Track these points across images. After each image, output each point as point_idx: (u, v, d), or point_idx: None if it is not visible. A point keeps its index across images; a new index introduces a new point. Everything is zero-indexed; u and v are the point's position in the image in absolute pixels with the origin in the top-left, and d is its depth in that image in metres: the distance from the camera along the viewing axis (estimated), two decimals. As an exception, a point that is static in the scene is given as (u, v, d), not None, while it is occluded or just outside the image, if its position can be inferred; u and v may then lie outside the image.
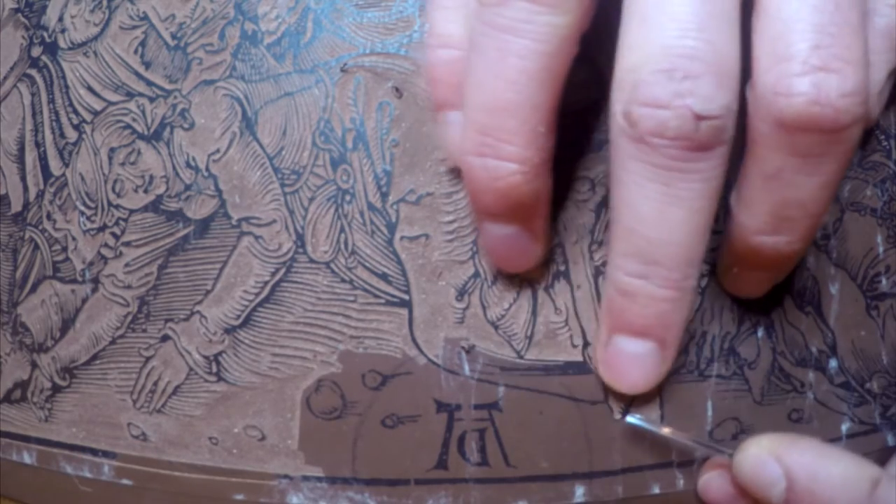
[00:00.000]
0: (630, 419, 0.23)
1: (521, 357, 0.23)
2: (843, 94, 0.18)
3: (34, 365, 0.26)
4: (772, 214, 0.20)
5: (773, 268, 0.22)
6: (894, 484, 0.20)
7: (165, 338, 0.24)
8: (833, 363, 0.25)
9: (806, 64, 0.18)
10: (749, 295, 0.23)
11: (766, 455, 0.21)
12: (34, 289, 0.26)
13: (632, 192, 0.20)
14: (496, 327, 0.23)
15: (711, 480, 0.23)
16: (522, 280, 0.23)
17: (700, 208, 0.20)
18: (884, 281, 0.26)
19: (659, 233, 0.20)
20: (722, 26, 0.19)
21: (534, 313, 0.23)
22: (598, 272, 0.23)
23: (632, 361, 0.22)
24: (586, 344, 0.23)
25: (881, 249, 0.26)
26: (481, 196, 0.21)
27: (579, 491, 0.23)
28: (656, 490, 0.23)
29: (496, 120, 0.20)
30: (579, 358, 0.23)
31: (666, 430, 0.23)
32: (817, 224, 0.21)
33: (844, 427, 0.25)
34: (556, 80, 0.20)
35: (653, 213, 0.19)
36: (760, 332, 0.24)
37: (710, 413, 0.24)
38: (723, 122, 0.19)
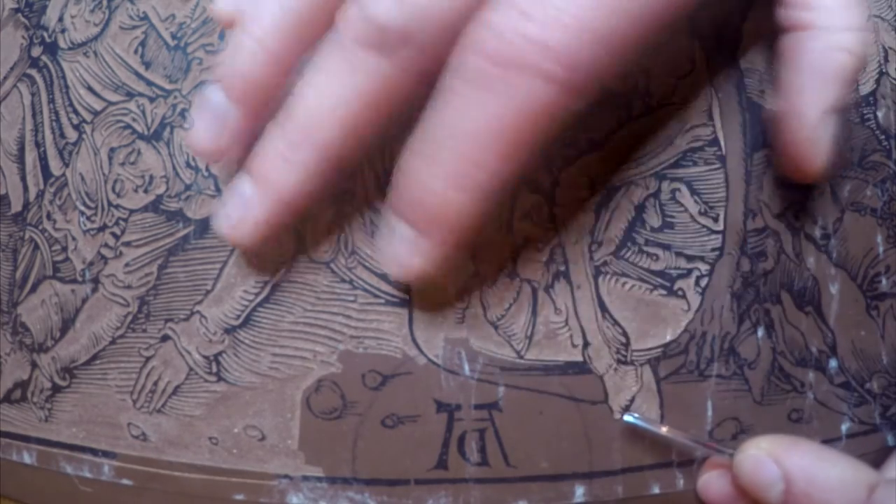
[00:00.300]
0: (627, 417, 0.23)
1: (521, 357, 0.23)
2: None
3: (34, 365, 0.26)
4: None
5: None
6: (890, 488, 0.20)
7: (165, 338, 0.24)
8: (833, 363, 0.25)
9: None
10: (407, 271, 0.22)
11: (765, 456, 0.21)
12: (34, 289, 0.26)
13: (313, 68, 0.21)
14: (496, 327, 0.23)
15: (711, 480, 0.23)
16: (522, 280, 0.23)
17: (342, 96, 0.20)
18: (884, 281, 0.26)
19: (299, 92, 0.21)
20: None
21: (534, 313, 0.23)
22: (598, 272, 0.23)
23: (239, 208, 0.22)
24: (586, 344, 0.23)
25: (881, 249, 0.26)
26: (225, 65, 0.22)
27: (579, 491, 0.23)
28: (656, 490, 0.23)
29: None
30: (579, 358, 0.23)
31: (663, 429, 0.23)
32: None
33: (844, 427, 0.25)
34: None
35: (318, 85, 0.20)
36: (760, 332, 0.24)
37: (710, 413, 0.24)
38: (391, 34, 0.19)
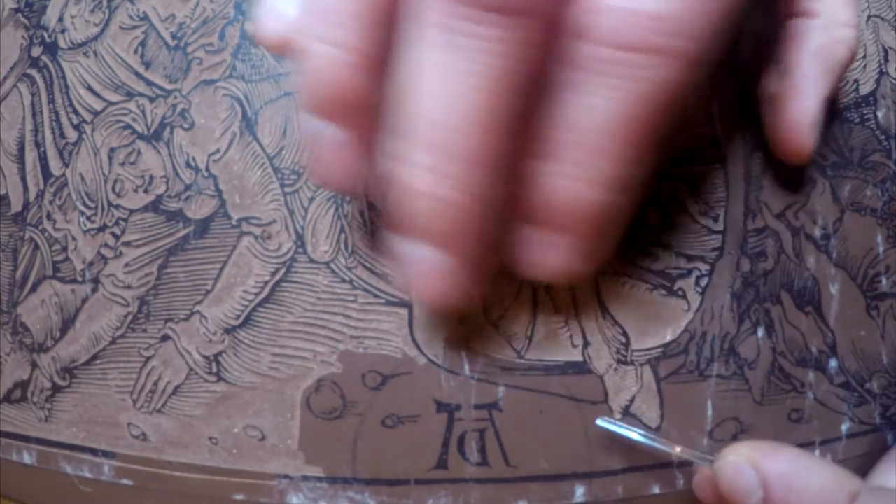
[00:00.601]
0: (601, 423, 0.22)
1: (521, 357, 0.23)
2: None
3: (34, 365, 0.26)
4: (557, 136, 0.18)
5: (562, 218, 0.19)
6: (872, 495, 0.19)
7: (165, 338, 0.24)
8: (833, 363, 0.25)
9: None
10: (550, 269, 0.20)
11: (744, 463, 0.21)
12: (34, 289, 0.26)
13: (418, 66, 0.17)
14: (496, 327, 0.23)
15: (703, 481, 0.23)
16: (522, 280, 0.23)
17: (485, 87, 0.17)
18: (884, 281, 0.26)
19: (439, 112, 0.17)
20: None
21: (534, 313, 0.23)
22: (598, 272, 0.23)
23: (421, 268, 0.19)
24: (586, 344, 0.23)
25: (881, 249, 0.26)
26: (310, 87, 0.19)
27: (579, 491, 0.23)
28: (656, 490, 0.23)
29: (330, 6, 0.18)
30: (579, 358, 0.23)
31: (638, 435, 0.22)
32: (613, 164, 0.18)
33: (844, 427, 0.25)
34: None
35: (434, 87, 0.17)
36: (760, 332, 0.24)
37: (710, 413, 0.24)
38: None
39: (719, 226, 0.24)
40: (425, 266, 0.19)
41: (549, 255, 0.19)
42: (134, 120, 0.25)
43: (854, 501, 0.19)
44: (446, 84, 0.17)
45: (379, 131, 0.19)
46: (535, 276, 0.20)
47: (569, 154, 0.18)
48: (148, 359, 0.24)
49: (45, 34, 0.27)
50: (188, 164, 0.24)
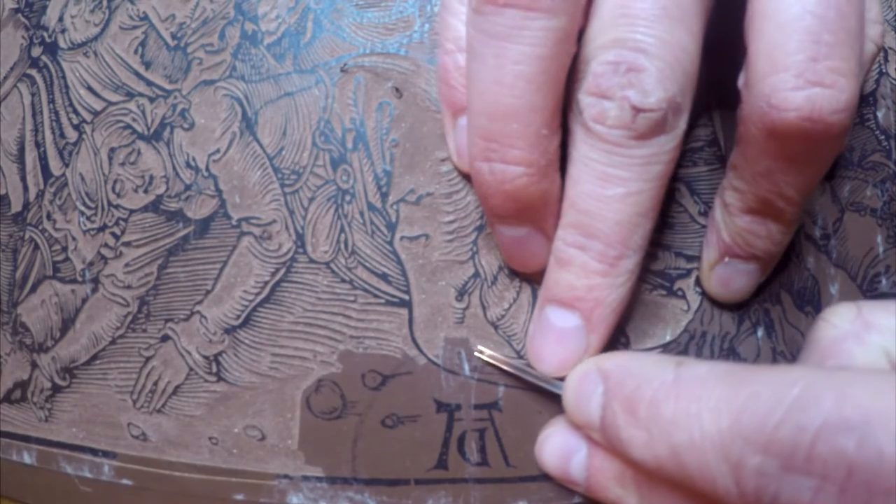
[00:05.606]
0: (480, 354, 0.23)
1: (521, 357, 0.23)
2: (836, 110, 0.19)
3: (34, 365, 0.26)
4: (759, 201, 0.21)
5: (760, 255, 0.23)
6: (695, 361, 0.20)
7: (165, 338, 0.24)
8: (833, 363, 0.25)
9: (800, 78, 0.19)
10: (736, 292, 0.23)
11: (590, 367, 0.21)
12: (34, 289, 0.26)
13: (578, 169, 0.21)
14: (496, 327, 0.23)
15: (543, 442, 0.23)
16: (522, 280, 0.23)
17: (639, 191, 0.20)
18: (884, 281, 0.26)
19: (598, 208, 0.21)
20: (674, 23, 0.20)
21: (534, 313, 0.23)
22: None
23: (556, 336, 0.22)
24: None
25: (881, 249, 0.26)
26: (490, 200, 0.21)
27: (579, 491, 0.23)
28: (656, 490, 0.23)
29: (499, 125, 0.20)
30: (579, 358, 0.23)
31: (513, 367, 0.23)
32: (800, 211, 0.22)
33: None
34: (556, 81, 0.20)
35: (594, 188, 0.21)
36: (760, 332, 0.24)
37: (709, 413, 0.24)
38: (661, 115, 0.20)
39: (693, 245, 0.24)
40: (570, 342, 0.22)
41: (744, 279, 0.23)
42: (134, 120, 0.25)
43: (679, 367, 0.19)
44: (600, 186, 0.20)
45: (555, 217, 0.22)
46: (724, 298, 0.24)
47: (771, 213, 0.22)
48: (148, 359, 0.24)
49: (45, 34, 0.27)
50: (188, 164, 0.24)
